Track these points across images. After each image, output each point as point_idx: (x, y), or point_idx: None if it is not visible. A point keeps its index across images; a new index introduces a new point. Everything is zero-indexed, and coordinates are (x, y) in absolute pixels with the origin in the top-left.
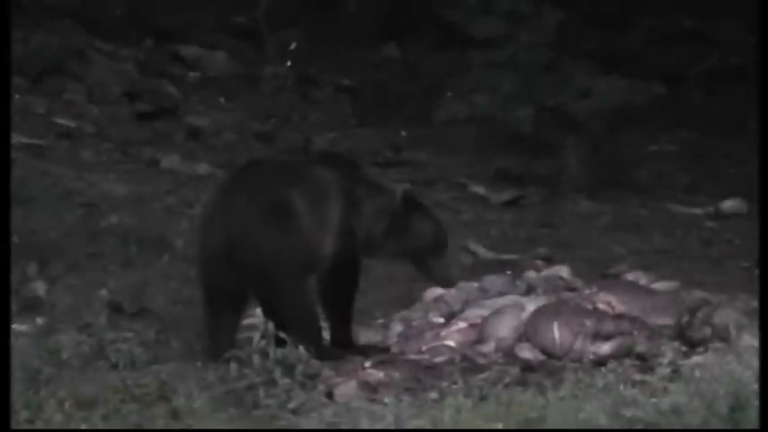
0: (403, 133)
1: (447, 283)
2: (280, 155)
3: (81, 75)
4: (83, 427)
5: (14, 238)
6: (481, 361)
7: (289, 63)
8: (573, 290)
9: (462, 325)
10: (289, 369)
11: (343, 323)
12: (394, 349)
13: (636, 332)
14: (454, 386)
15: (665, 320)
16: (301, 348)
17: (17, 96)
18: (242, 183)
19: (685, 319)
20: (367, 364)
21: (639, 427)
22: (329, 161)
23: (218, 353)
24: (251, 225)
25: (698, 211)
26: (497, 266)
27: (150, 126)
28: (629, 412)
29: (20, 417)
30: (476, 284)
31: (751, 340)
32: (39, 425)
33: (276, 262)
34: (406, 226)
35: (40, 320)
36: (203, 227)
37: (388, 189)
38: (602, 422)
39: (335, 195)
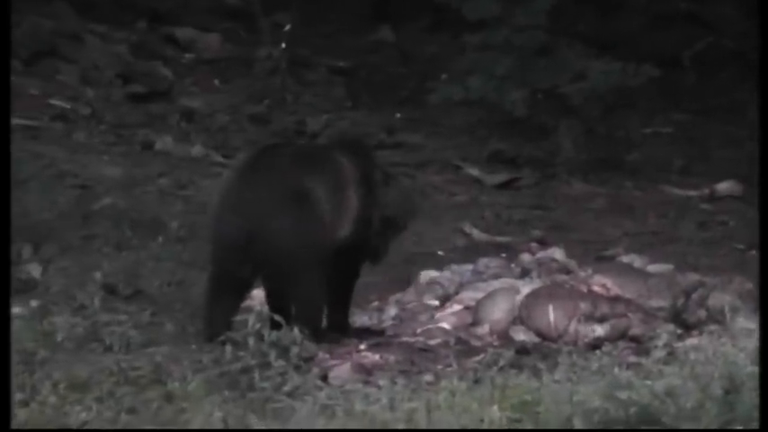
0: (397, 115)
1: (380, 262)
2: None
3: (75, 57)
4: (77, 409)
5: None
6: (476, 344)
7: (283, 45)
8: (568, 272)
9: (457, 308)
10: (283, 352)
11: (341, 308)
12: (389, 332)
13: (631, 315)
14: (449, 369)
15: (660, 303)
16: (296, 331)
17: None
18: (259, 169)
19: (680, 301)
20: (362, 347)
21: (634, 409)
22: (344, 146)
23: (214, 335)
24: (271, 215)
25: (692, 193)
26: (492, 249)
27: (144, 108)
28: (623, 395)
29: (14, 399)
30: (470, 267)
31: (745, 323)
32: (33, 407)
33: (296, 251)
34: (385, 195)
35: (34, 303)
36: (220, 214)
37: (395, 175)
38: (597, 405)
39: (354, 182)
